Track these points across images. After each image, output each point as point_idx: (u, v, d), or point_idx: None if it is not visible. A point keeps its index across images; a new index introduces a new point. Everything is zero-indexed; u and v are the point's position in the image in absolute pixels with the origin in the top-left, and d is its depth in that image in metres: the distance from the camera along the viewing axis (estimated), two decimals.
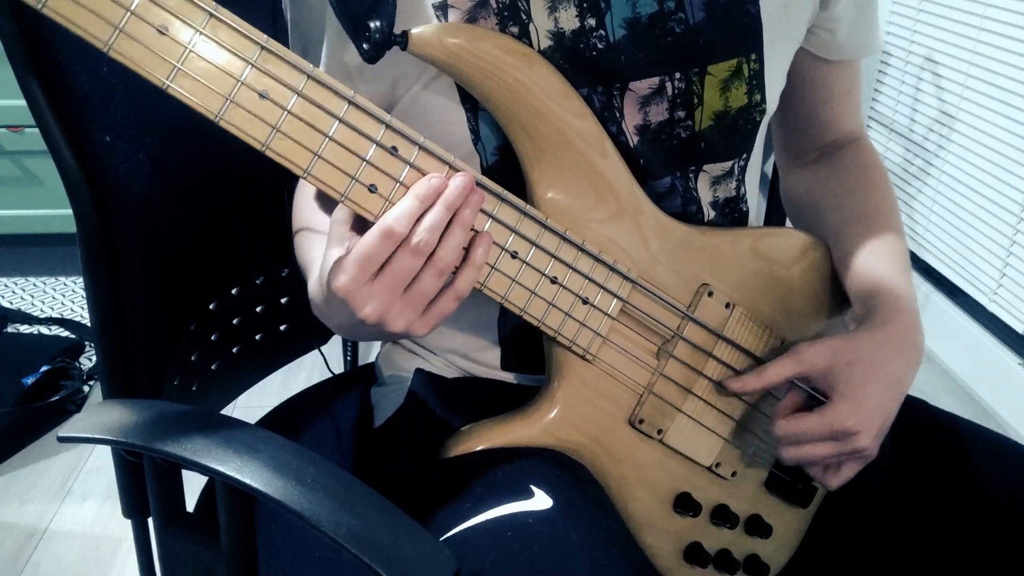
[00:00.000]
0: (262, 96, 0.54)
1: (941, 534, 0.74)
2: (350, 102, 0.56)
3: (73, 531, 1.56)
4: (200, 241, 0.84)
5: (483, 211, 0.61)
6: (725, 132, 0.71)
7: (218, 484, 0.61)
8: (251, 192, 0.87)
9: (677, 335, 0.70)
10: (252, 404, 1.17)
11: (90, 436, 0.62)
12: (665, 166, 0.71)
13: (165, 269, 0.79)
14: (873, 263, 0.74)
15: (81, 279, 0.75)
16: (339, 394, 0.99)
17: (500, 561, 0.58)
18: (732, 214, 0.77)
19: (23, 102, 0.67)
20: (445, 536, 0.61)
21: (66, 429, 0.63)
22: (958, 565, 0.73)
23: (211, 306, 0.87)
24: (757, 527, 0.76)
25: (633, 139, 0.69)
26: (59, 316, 2.17)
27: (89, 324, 0.76)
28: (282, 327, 0.99)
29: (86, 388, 1.91)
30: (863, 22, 0.78)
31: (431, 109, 0.67)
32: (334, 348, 1.08)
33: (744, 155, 0.75)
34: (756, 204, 0.83)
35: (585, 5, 0.64)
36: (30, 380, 1.80)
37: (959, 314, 2.06)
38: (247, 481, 0.56)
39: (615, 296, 0.67)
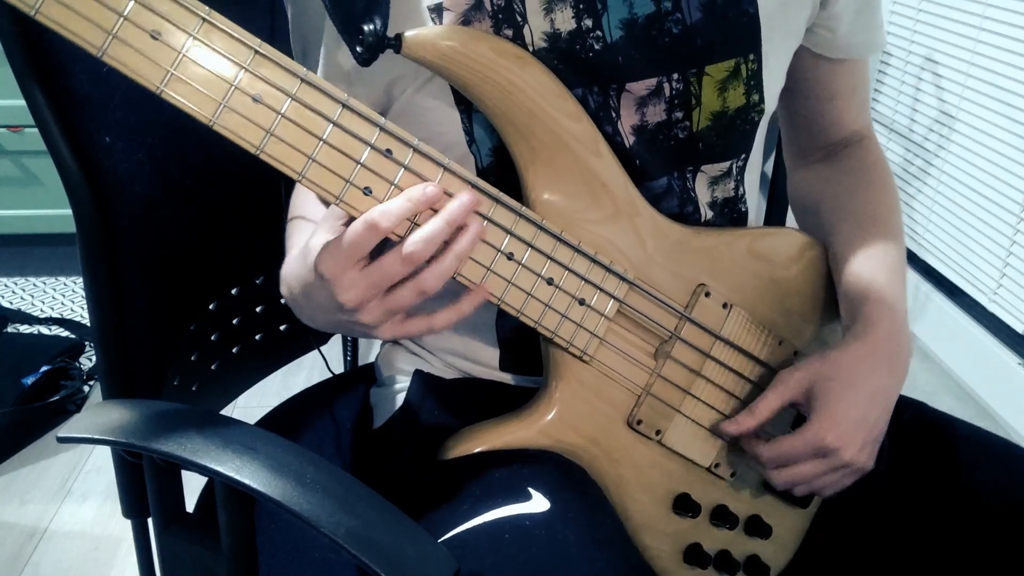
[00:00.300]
0: (256, 100, 0.54)
1: (940, 535, 0.74)
2: (344, 105, 0.56)
3: (73, 531, 1.56)
4: (200, 241, 0.84)
5: (477, 213, 0.61)
6: (723, 132, 0.71)
7: (218, 484, 0.61)
8: (251, 192, 0.87)
9: (675, 336, 0.70)
10: (252, 404, 1.17)
11: (90, 436, 0.62)
12: (662, 167, 0.71)
13: (165, 269, 0.79)
14: (861, 268, 0.74)
15: (81, 279, 0.75)
16: (339, 394, 0.99)
17: (498, 563, 0.58)
18: (731, 214, 0.77)
19: (23, 102, 0.67)
20: (443, 538, 0.61)
21: (66, 429, 0.63)
22: (957, 566, 0.73)
23: (211, 306, 0.88)
24: (757, 528, 0.76)
25: (629, 139, 0.69)
26: (59, 316, 2.17)
27: (89, 324, 0.76)
28: (282, 327, 0.99)
29: (86, 388, 1.91)
30: (864, 20, 0.77)
31: (425, 111, 0.67)
32: (334, 348, 1.08)
33: (743, 155, 0.75)
34: (756, 204, 0.82)
35: (581, 6, 0.64)
36: (30, 380, 1.80)
37: (959, 314, 2.06)
38: (246, 481, 0.56)
39: (612, 297, 0.67)
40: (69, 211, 0.71)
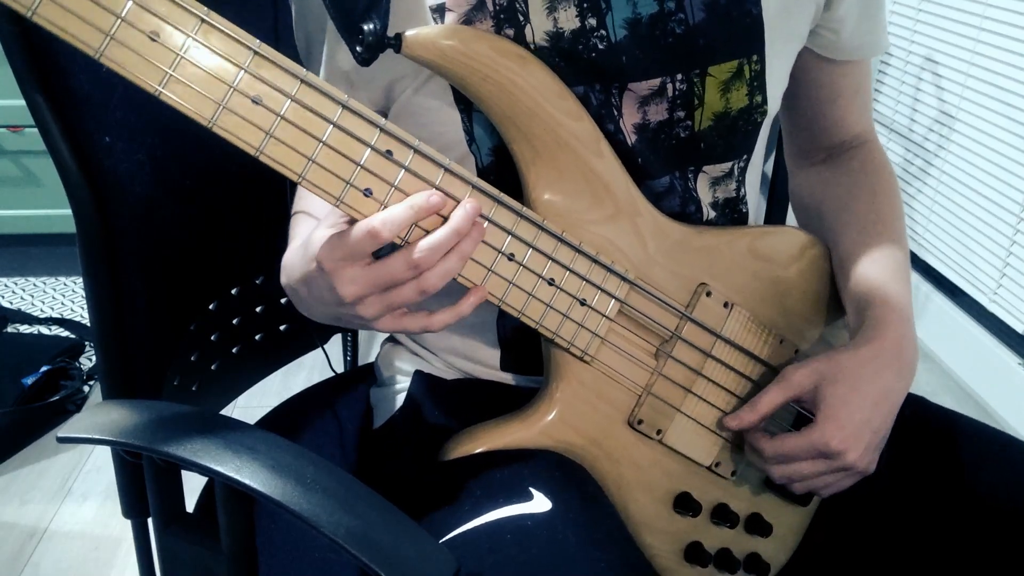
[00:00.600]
0: (255, 102, 0.54)
1: (941, 532, 0.74)
2: (344, 106, 0.56)
3: (73, 531, 1.56)
4: (200, 241, 0.84)
5: (479, 214, 0.61)
6: (725, 133, 0.71)
7: (218, 484, 0.61)
8: (251, 192, 0.87)
9: (676, 335, 0.70)
10: (252, 404, 1.17)
11: (90, 436, 0.62)
12: (664, 166, 0.71)
13: (165, 269, 0.79)
14: (867, 272, 0.74)
15: (81, 279, 0.75)
16: (339, 394, 0.99)
17: (499, 564, 0.59)
18: (732, 215, 0.77)
19: (23, 102, 0.67)
20: (444, 538, 0.61)
21: (66, 429, 0.63)
22: (958, 563, 0.72)
23: (211, 306, 0.88)
24: (757, 526, 0.76)
25: (631, 138, 0.68)
26: (59, 316, 2.17)
27: (89, 324, 0.76)
28: (282, 327, 0.99)
29: (86, 388, 1.91)
30: (868, 22, 0.77)
31: (425, 111, 0.67)
32: (334, 348, 1.07)
33: (744, 156, 0.75)
34: (756, 204, 0.82)
35: (585, 5, 0.64)
36: (30, 380, 1.80)
37: (959, 314, 2.06)
38: (246, 482, 0.56)
39: (613, 297, 0.67)
40: (69, 211, 0.71)
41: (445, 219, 0.59)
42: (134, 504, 0.81)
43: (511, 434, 0.68)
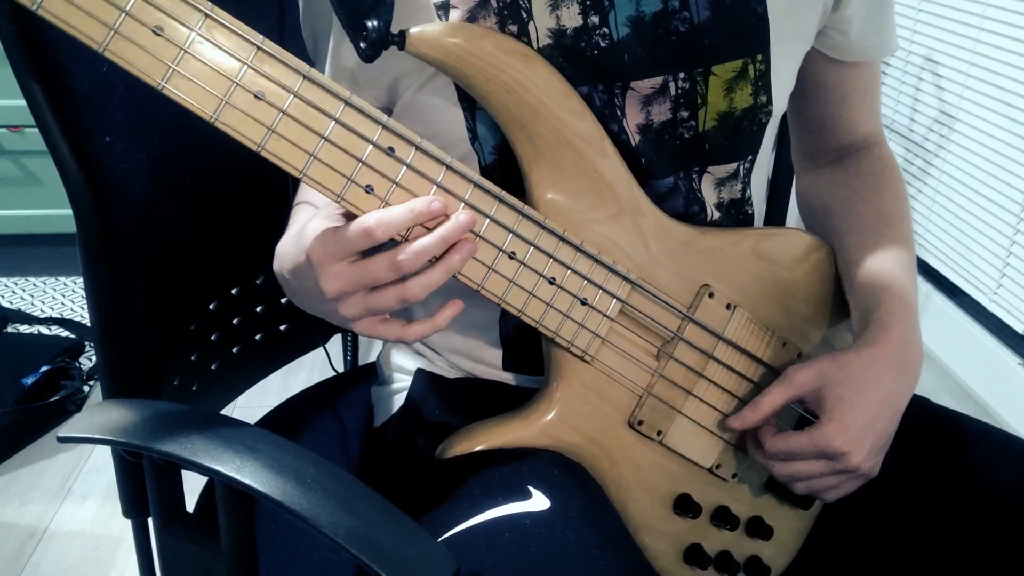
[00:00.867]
0: (258, 97, 0.54)
1: (945, 534, 0.73)
2: (346, 103, 0.56)
3: (73, 531, 1.56)
4: (200, 241, 0.84)
5: (480, 211, 0.61)
6: (730, 133, 0.71)
7: (218, 484, 0.61)
8: (251, 192, 0.87)
9: (677, 336, 0.70)
10: (252, 404, 1.17)
11: (90, 436, 0.62)
12: (668, 166, 0.70)
13: (165, 269, 0.79)
14: (873, 274, 0.73)
15: (81, 279, 0.75)
16: (339, 394, 0.99)
17: (498, 562, 0.58)
18: (737, 216, 0.76)
19: (23, 102, 0.67)
20: (443, 537, 0.61)
21: (66, 429, 0.63)
22: (963, 565, 0.72)
23: (211, 306, 0.87)
24: (758, 529, 0.76)
25: (635, 138, 0.68)
26: (59, 316, 2.17)
27: (89, 324, 0.76)
28: (282, 327, 0.99)
29: (86, 388, 1.91)
30: (877, 23, 0.77)
31: (428, 109, 0.67)
32: (334, 348, 1.07)
33: (750, 157, 0.74)
34: (761, 205, 0.82)
35: (588, 3, 0.64)
36: (30, 380, 1.80)
37: (959, 314, 2.06)
38: (246, 481, 0.56)
39: (614, 297, 0.67)
40: (69, 211, 0.71)
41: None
42: (134, 504, 0.81)
43: (511, 433, 0.68)
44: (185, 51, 0.52)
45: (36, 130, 0.69)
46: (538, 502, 0.62)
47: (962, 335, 2.03)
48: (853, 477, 0.69)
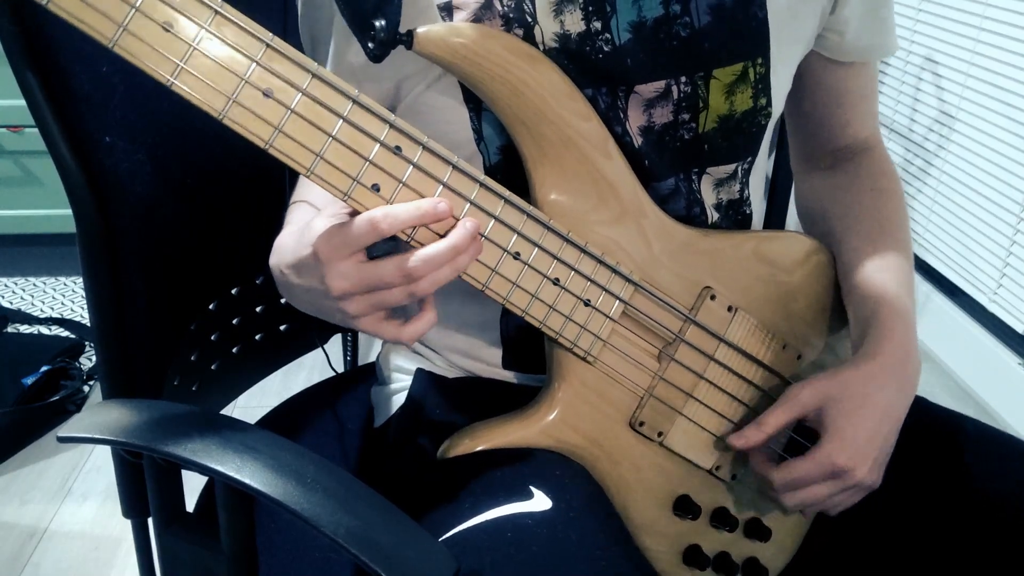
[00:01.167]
0: (266, 95, 0.54)
1: (943, 536, 0.73)
2: (354, 101, 0.56)
3: (73, 531, 1.56)
4: (200, 241, 0.84)
5: (486, 211, 0.61)
6: (729, 135, 0.71)
7: (218, 484, 0.61)
8: (251, 192, 0.87)
9: (679, 338, 0.70)
10: (252, 404, 1.17)
11: (90, 436, 0.62)
12: (669, 168, 0.70)
13: (165, 269, 0.79)
14: (870, 282, 0.73)
15: (81, 279, 0.75)
16: (339, 394, 0.99)
17: (498, 562, 0.58)
18: (735, 216, 0.77)
19: (23, 102, 0.67)
20: (444, 537, 0.61)
21: (66, 429, 0.63)
22: (961, 567, 0.72)
23: (211, 306, 0.87)
24: (756, 530, 0.76)
25: (637, 140, 0.68)
26: (59, 316, 2.17)
27: (89, 324, 0.76)
28: (282, 327, 0.99)
29: (86, 388, 1.91)
30: (874, 24, 0.77)
31: (434, 109, 0.67)
32: (334, 347, 1.07)
33: (748, 158, 0.75)
34: (760, 206, 0.82)
35: (591, 8, 0.64)
36: (30, 380, 1.80)
37: (959, 314, 2.06)
38: (247, 481, 0.56)
39: (617, 298, 0.67)
40: (69, 211, 0.71)
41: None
42: (134, 504, 0.81)
43: (512, 433, 0.68)
44: (194, 48, 0.52)
45: (36, 130, 0.69)
46: (539, 502, 0.62)
47: (962, 335, 2.03)
48: (857, 490, 0.69)
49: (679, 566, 0.74)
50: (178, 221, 0.80)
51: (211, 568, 0.68)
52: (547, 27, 0.64)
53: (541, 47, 0.64)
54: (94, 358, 1.94)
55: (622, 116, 0.67)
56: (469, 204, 0.60)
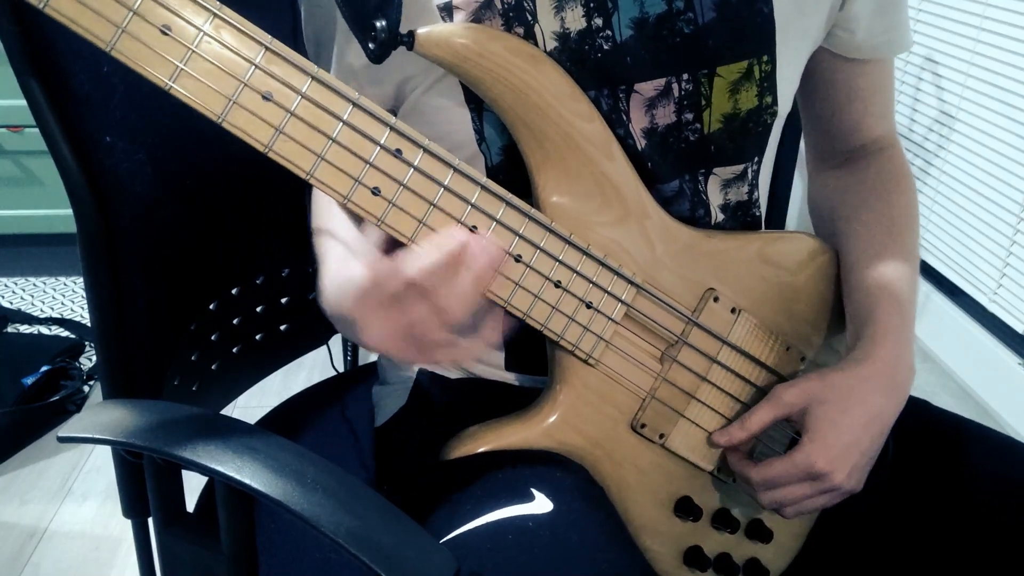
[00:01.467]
0: (265, 98, 0.54)
1: (943, 537, 0.73)
2: (354, 104, 0.56)
3: (73, 531, 1.56)
4: (200, 241, 0.84)
5: (487, 214, 0.61)
6: (735, 135, 0.70)
7: (218, 484, 0.61)
8: (251, 192, 0.87)
9: (681, 340, 0.70)
10: (252, 404, 1.17)
11: (90, 436, 0.62)
12: (673, 169, 0.70)
13: (165, 269, 0.79)
14: (870, 286, 0.73)
15: (81, 279, 0.75)
16: (340, 394, 0.99)
17: (499, 564, 0.58)
18: (744, 218, 0.76)
19: (23, 102, 0.67)
20: (445, 539, 0.61)
21: (66, 429, 0.63)
22: (961, 569, 0.72)
23: (211, 306, 0.87)
24: (758, 531, 0.76)
25: (641, 142, 0.68)
26: (59, 316, 2.17)
27: (89, 324, 0.76)
28: (282, 327, 0.99)
29: (86, 388, 1.90)
30: (885, 20, 0.75)
31: (435, 110, 0.67)
32: (334, 347, 1.07)
33: (756, 158, 0.74)
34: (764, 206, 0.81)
35: (592, 5, 0.64)
36: (30, 380, 1.80)
37: (959, 314, 2.06)
38: (246, 481, 0.56)
39: (619, 301, 0.67)
40: (69, 211, 0.71)
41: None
42: (134, 504, 0.81)
43: (514, 434, 0.68)
44: (193, 51, 0.52)
45: (36, 130, 0.69)
46: (540, 504, 0.62)
47: (962, 335, 2.03)
48: (836, 495, 0.69)
49: (680, 567, 0.74)
50: (178, 221, 0.80)
51: (211, 568, 0.68)
52: (547, 25, 0.64)
53: (542, 47, 0.64)
54: (94, 358, 1.94)
55: (624, 118, 0.67)
56: (470, 207, 0.60)
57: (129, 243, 0.74)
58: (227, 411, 0.97)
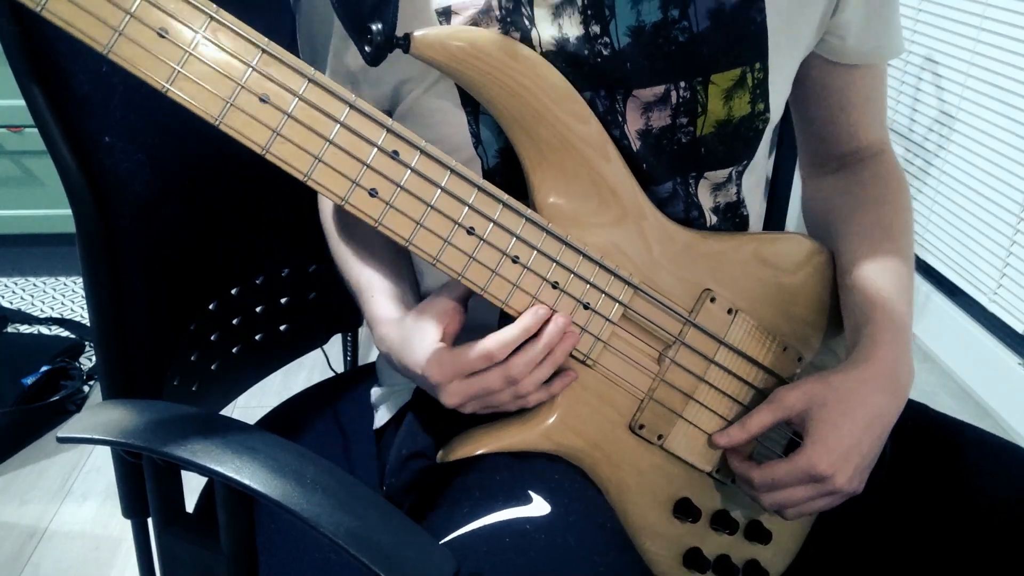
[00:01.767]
0: (263, 100, 0.54)
1: (942, 540, 0.73)
2: (351, 106, 0.56)
3: (73, 531, 1.56)
4: (200, 241, 0.84)
5: (484, 215, 0.61)
6: (727, 140, 0.70)
7: (218, 484, 0.61)
8: (251, 192, 0.87)
9: (679, 341, 0.70)
10: (252, 404, 1.17)
11: (90, 436, 0.62)
12: (667, 171, 0.70)
13: (165, 269, 0.79)
14: (867, 288, 0.73)
15: (81, 279, 0.75)
16: (339, 394, 0.99)
17: (497, 567, 0.58)
18: (733, 219, 0.76)
19: (23, 102, 0.67)
20: (443, 541, 0.61)
21: (66, 429, 0.63)
22: (960, 572, 0.72)
23: (211, 306, 0.87)
24: (757, 533, 0.76)
25: (635, 143, 0.68)
26: (59, 316, 2.17)
27: (89, 324, 0.76)
28: (282, 327, 0.99)
29: (86, 388, 1.90)
30: (877, 26, 0.75)
31: (432, 112, 0.67)
32: (334, 348, 1.08)
33: (744, 162, 0.74)
34: (759, 208, 0.81)
35: (589, 12, 0.64)
36: (30, 380, 1.80)
37: (959, 314, 2.06)
38: (246, 482, 0.56)
39: (617, 301, 0.67)
40: (69, 211, 0.71)
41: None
42: (134, 504, 0.81)
43: (512, 436, 0.68)
44: (190, 53, 0.52)
45: (36, 130, 0.69)
46: (538, 507, 0.62)
47: (962, 335, 2.03)
48: (837, 496, 0.69)
49: (679, 569, 0.74)
50: (178, 221, 0.80)
51: (211, 568, 0.68)
52: (545, 31, 0.64)
53: (539, 51, 0.64)
54: (94, 358, 1.94)
55: (620, 120, 0.67)
56: (467, 208, 0.60)
57: (129, 243, 0.74)
58: (227, 411, 0.97)
